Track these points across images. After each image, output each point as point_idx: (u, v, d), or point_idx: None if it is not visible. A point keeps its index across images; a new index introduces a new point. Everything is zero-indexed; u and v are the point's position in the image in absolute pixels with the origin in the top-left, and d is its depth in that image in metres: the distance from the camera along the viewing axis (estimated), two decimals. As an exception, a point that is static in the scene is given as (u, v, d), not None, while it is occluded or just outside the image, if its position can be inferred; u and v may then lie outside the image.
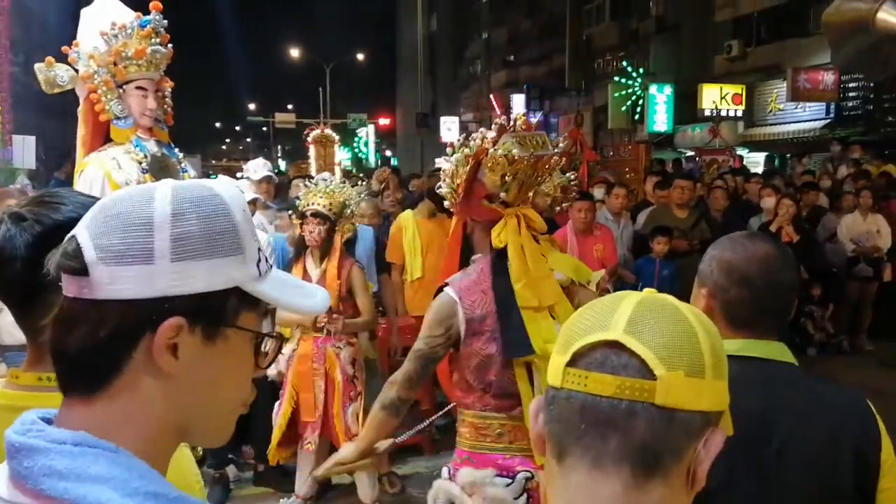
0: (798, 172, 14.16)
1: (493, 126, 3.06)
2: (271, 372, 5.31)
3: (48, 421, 1.00)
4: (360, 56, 58.46)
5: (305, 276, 4.95)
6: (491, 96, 35.85)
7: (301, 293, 1.15)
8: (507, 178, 2.96)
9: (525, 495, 2.93)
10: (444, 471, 3.07)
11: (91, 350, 0.98)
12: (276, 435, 5.06)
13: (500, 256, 2.99)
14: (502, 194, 2.99)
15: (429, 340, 3.01)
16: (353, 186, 5.24)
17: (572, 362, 0.98)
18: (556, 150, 3.10)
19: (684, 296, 1.04)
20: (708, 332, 0.99)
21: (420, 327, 7.01)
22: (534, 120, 3.26)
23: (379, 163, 36.82)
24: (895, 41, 2.41)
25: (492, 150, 2.97)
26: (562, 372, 0.99)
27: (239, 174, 9.02)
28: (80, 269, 0.97)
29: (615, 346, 0.96)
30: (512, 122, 3.09)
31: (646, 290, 1.05)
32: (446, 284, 3.05)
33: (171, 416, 1.04)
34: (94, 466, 0.91)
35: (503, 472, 2.95)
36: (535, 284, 2.97)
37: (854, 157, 14.42)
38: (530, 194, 3.10)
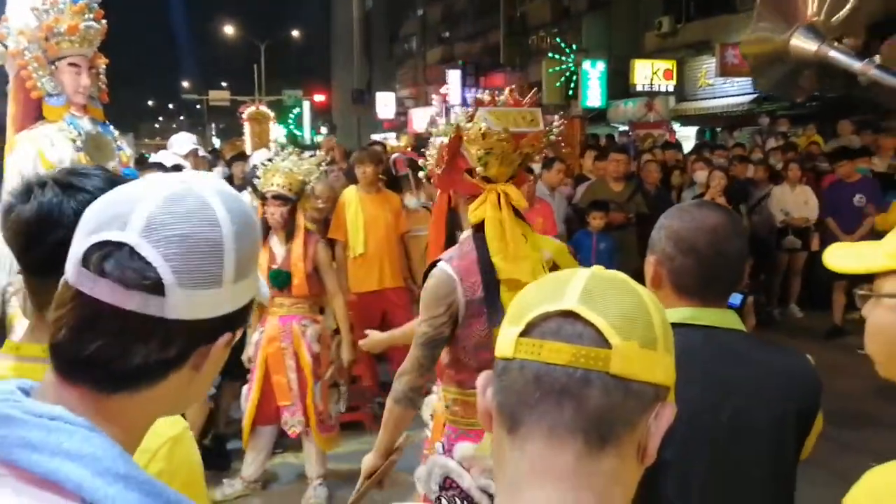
0: (730, 146, 14.42)
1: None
2: None
3: (26, 392, 0.99)
4: (296, 33, 57.80)
5: (272, 256, 4.95)
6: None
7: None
8: (480, 152, 2.92)
9: None
10: (439, 446, 3.06)
11: (153, 365, 0.99)
12: (248, 421, 5.02)
13: (477, 231, 2.94)
14: (479, 169, 2.94)
15: (432, 322, 2.89)
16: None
17: (525, 332, 0.97)
18: (544, 129, 3.02)
19: (623, 268, 1.07)
20: (657, 306, 1.01)
21: (362, 304, 6.89)
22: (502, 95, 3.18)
23: (314, 140, 36.55)
24: (809, 66, 2.55)
25: (467, 124, 2.94)
26: (514, 342, 0.98)
27: (164, 151, 8.86)
28: (155, 288, 0.95)
29: (570, 315, 0.96)
30: (494, 98, 3.04)
31: (595, 266, 1.05)
32: (439, 261, 2.96)
33: (169, 408, 1.08)
34: (69, 442, 0.91)
35: None
36: (513, 261, 2.90)
37: (781, 130, 14.75)
38: (511, 170, 3.01)
